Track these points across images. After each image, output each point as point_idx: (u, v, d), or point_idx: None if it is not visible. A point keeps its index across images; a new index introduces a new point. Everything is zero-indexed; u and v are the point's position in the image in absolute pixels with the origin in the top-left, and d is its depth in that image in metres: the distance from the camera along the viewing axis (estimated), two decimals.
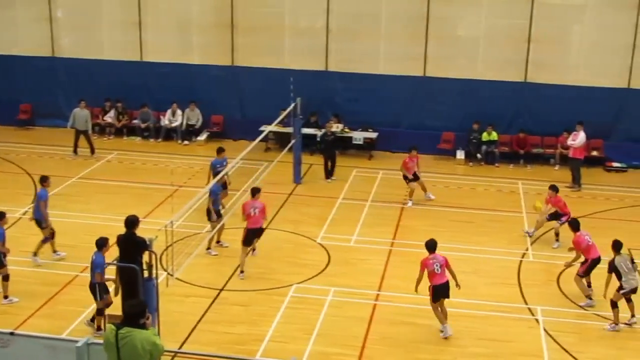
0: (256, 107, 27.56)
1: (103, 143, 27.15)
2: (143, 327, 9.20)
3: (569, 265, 16.57)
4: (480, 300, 15.97)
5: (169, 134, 27.99)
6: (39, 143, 27.02)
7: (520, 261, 18.14)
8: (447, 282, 14.51)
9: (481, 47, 26.42)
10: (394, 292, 16.31)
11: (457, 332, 14.73)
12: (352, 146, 26.54)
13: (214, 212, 17.86)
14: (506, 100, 26.19)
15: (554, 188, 19.31)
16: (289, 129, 23.79)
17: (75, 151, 25.65)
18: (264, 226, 17.33)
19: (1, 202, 19.90)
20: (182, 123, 27.75)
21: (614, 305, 15.02)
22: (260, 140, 21.53)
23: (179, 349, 13.48)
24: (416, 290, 14.71)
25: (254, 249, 17.61)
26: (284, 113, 22.92)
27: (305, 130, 24.68)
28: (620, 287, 14.97)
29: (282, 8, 27.45)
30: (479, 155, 25.89)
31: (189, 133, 27.85)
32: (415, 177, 21.74)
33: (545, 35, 25.77)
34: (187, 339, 14.23)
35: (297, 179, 23.22)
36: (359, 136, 26.34)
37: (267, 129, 23.48)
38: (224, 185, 19.62)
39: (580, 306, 15.94)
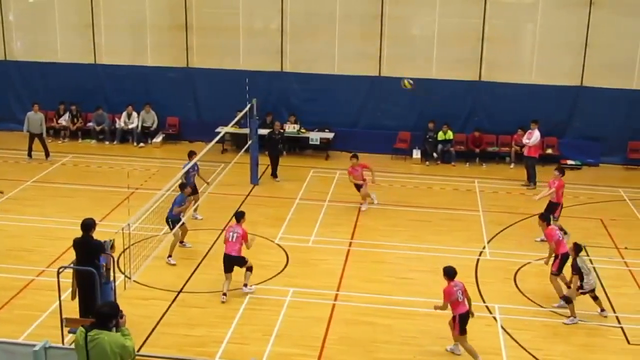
0: (212, 109, 27.49)
1: (58, 146, 26.86)
2: (114, 329, 9.29)
3: (547, 261, 16.34)
4: (439, 299, 16.05)
5: (125, 137, 27.80)
6: None
7: (478, 259, 18.29)
8: (468, 310, 13.84)
9: (435, 46, 26.57)
10: (353, 292, 16.35)
11: (416, 332, 14.83)
12: (309, 146, 26.60)
13: (170, 222, 17.32)
14: (461, 99, 26.46)
15: (561, 171, 19.45)
16: (246, 130, 23.76)
17: (29, 155, 25.33)
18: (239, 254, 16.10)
19: None
20: (137, 125, 27.56)
21: (569, 301, 15.22)
22: (217, 142, 21.47)
23: (138, 351, 13.37)
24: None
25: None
26: (240, 114, 22.88)
27: (262, 131, 24.64)
28: (580, 287, 15.15)
29: (237, 9, 27.36)
30: (435, 155, 26.10)
31: (144, 135, 27.68)
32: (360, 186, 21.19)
33: (499, 34, 26.07)
34: (145, 341, 14.14)
35: (254, 179, 23.19)
36: (315, 136, 26.39)
37: (223, 130, 23.41)
38: (194, 190, 19.52)
39: (554, 306, 15.85)
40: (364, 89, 26.88)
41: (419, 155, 26.31)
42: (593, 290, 15.40)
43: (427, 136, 26.17)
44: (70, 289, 14.06)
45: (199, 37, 27.57)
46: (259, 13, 27.76)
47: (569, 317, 15.32)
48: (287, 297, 16.10)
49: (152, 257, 15.43)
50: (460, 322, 13.64)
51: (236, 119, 22.96)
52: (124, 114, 27.60)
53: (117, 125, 27.78)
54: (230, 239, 15.95)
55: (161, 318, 15.12)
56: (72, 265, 13.77)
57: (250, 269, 16.11)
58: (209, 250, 18.36)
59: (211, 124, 26.13)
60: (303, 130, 26.43)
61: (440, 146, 26.02)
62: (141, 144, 27.50)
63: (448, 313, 13.98)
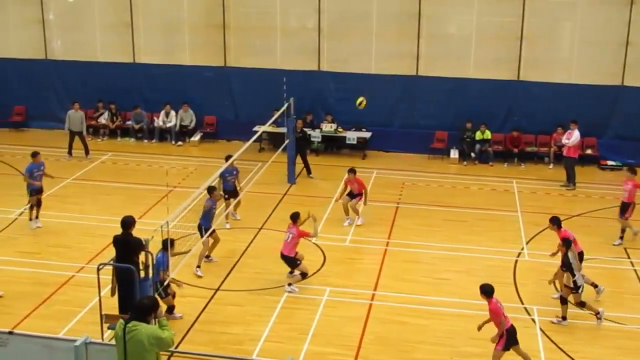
0: (249, 108, 27.59)
1: (97, 144, 27.17)
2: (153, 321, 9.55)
3: (554, 254, 16.24)
4: (474, 300, 15.90)
5: (163, 135, 27.99)
6: (33, 144, 26.87)
7: (516, 260, 18.17)
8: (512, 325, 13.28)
9: (473, 45, 26.41)
10: (389, 292, 16.33)
11: (451, 332, 14.78)
12: (346, 146, 26.58)
13: (203, 229, 17.00)
14: (499, 98, 26.25)
15: (632, 170, 19.33)
16: (282, 129, 23.82)
17: (70, 152, 25.64)
18: (290, 254, 16.41)
19: None
20: (175, 124, 27.75)
21: (564, 301, 15.19)
22: (254, 141, 21.54)
23: (175, 348, 13.47)
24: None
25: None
26: (277, 113, 22.92)
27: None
28: (574, 284, 15.05)
29: (274, 8, 27.41)
30: (472, 154, 25.94)
31: (182, 134, 27.86)
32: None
33: (537, 32, 25.81)
34: (183, 338, 14.25)
35: (291, 179, 23.23)
36: (352, 136, 26.36)
37: (260, 129, 23.49)
38: (234, 193, 19.79)
39: (553, 297, 16.06)
40: (401, 88, 26.80)
41: (456, 155, 26.17)
42: (579, 289, 15.12)
43: (465, 136, 26.03)
44: (110, 286, 14.21)
45: (236, 36, 27.68)
46: (296, 12, 27.81)
47: (558, 317, 15.24)
48: (324, 297, 16.13)
49: (189, 255, 15.53)
50: (508, 338, 13.05)
51: (273, 118, 23.00)
52: (162, 112, 27.81)
53: (155, 124, 28.00)
54: (285, 239, 16.38)
55: (199, 316, 15.23)
56: (111, 262, 13.91)
57: (304, 275, 16.33)
58: (246, 249, 18.46)
59: (248, 122, 26.25)
60: (340, 130, 26.42)
61: (477, 146, 25.87)
62: (179, 143, 27.69)
63: (478, 313, 13.91)
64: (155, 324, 9.70)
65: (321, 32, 27.00)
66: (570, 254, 15.06)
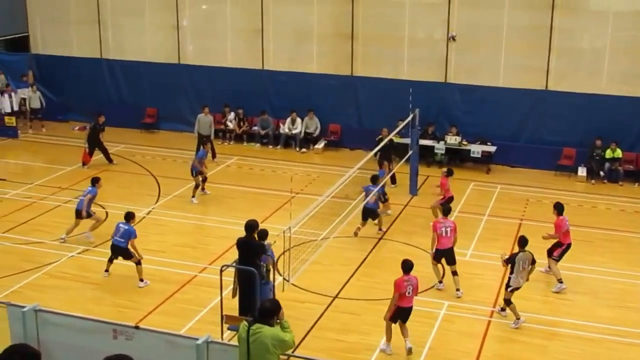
0: (373, 117, 27.53)
1: (223, 148, 27.76)
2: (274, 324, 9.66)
3: (546, 237, 17.32)
4: (597, 323, 15.51)
5: (288, 142, 28.37)
6: (162, 146, 27.91)
7: None
8: (411, 307, 14.30)
9: (606, 60, 25.58)
10: (508, 310, 16.02)
11: (572, 355, 14.39)
12: (470, 159, 26.25)
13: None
14: (632, 116, 25.30)
15: None
16: (407, 140, 23.72)
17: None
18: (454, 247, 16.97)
19: (125, 201, 20.66)
20: (301, 131, 28.08)
21: (509, 302, 15.24)
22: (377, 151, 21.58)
23: (292, 352, 13.61)
24: None
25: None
26: (402, 124, 22.83)
27: (423, 142, 24.56)
28: (507, 284, 15.25)
29: (402, 19, 27.35)
30: (601, 173, 25.15)
31: (306, 141, 28.17)
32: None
33: None
34: (299, 344, 14.37)
35: (413, 190, 23.12)
36: (476, 149, 26.01)
37: (384, 139, 23.43)
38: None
39: (553, 291, 16.86)
40: (529, 103, 26.25)
41: (584, 173, 25.39)
42: (516, 289, 15.34)
43: (594, 153, 25.26)
44: (231, 287, 14.50)
45: (363, 45, 27.77)
46: (424, 23, 27.68)
47: (514, 320, 15.35)
48: (442, 310, 15.98)
49: (310, 261, 15.67)
50: (397, 313, 14.11)
51: (398, 129, 22.94)
52: (289, 119, 28.18)
53: (280, 130, 28.40)
54: (444, 234, 16.77)
55: (316, 322, 15.35)
56: (234, 264, 14.20)
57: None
58: (365, 258, 18.50)
59: (372, 132, 26.28)
60: (464, 143, 26.13)
61: (607, 164, 25.05)
62: (303, 150, 28.00)
63: (600, 337, 13.48)
64: (277, 326, 9.83)
65: (449, 44, 26.76)
66: (521, 254, 15.22)
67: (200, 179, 22.22)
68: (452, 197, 20.31)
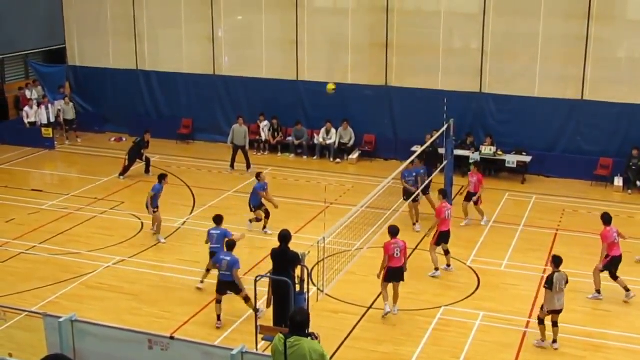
0: (408, 128, 27.48)
1: (258, 158, 27.84)
2: (309, 336, 9.56)
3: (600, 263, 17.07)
4: (638, 334, 15.35)
5: (322, 152, 28.39)
6: (198, 157, 28.08)
7: None
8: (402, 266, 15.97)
9: None
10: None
11: None
12: (505, 169, 26.08)
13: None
14: None
15: None
16: (442, 150, 23.63)
17: (232, 166, 26.45)
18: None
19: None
20: (335, 141, 28.10)
21: (541, 322, 14.88)
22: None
23: None
24: None
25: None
26: (437, 134, 22.75)
27: (459, 152, 24.44)
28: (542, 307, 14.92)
29: (437, 29, 27.29)
30: (638, 183, 24.86)
31: (341, 151, 28.17)
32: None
33: None
34: (334, 354, 14.38)
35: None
36: (512, 159, 25.83)
37: (419, 149, 23.37)
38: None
39: (588, 298, 16.86)
40: (564, 112, 26.02)
41: (620, 183, 25.11)
42: (558, 312, 14.83)
43: (631, 163, 24.98)
44: (266, 297, 14.54)
45: (398, 55, 27.74)
46: (459, 33, 27.63)
47: (538, 339, 15.06)
48: (477, 321, 15.90)
49: (344, 272, 15.68)
50: (389, 273, 15.75)
51: (433, 139, 22.84)
52: (323, 130, 28.20)
53: (315, 141, 28.44)
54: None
55: (350, 332, 15.34)
56: (268, 274, 14.24)
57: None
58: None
59: (406, 142, 26.24)
60: (500, 153, 25.97)
61: None
62: (337, 160, 28.01)
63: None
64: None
65: (484, 53, 26.65)
66: (557, 274, 14.78)
67: (263, 214, 20.63)
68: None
